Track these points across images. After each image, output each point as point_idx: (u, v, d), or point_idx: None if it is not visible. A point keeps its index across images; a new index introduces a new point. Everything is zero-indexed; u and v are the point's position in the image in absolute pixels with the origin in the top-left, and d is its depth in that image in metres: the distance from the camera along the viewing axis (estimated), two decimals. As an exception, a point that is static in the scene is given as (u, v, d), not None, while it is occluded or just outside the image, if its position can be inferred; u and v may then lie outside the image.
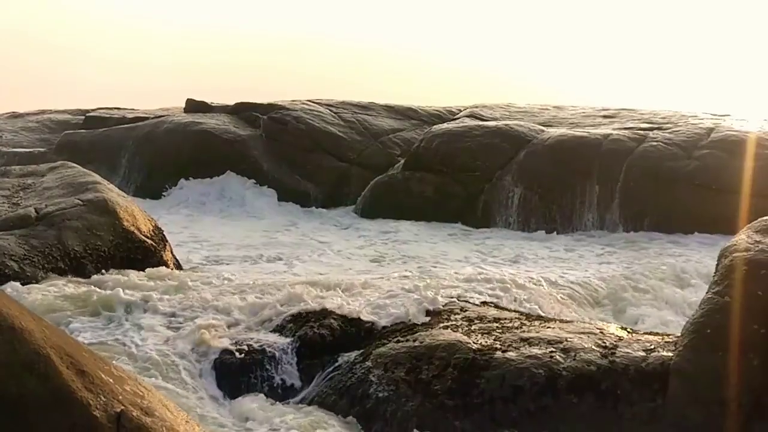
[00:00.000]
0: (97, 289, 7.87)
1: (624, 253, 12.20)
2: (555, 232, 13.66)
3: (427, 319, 7.14)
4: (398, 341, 6.72)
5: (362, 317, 7.24)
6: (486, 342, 6.52)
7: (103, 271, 8.86)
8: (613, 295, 9.60)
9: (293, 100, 18.35)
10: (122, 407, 3.35)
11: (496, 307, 7.85)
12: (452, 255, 11.94)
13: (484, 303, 7.94)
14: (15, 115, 20.74)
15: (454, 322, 7.01)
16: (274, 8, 57.77)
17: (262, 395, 6.51)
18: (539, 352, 6.30)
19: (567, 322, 7.20)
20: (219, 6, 57.54)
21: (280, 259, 11.19)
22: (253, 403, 6.36)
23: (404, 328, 7.00)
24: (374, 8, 58.70)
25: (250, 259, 11.21)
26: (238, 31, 51.42)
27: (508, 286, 8.69)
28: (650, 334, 6.86)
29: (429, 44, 56.01)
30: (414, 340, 6.66)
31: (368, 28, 56.16)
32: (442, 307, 7.44)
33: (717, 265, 6.41)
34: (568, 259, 11.85)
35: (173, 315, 7.67)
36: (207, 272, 9.73)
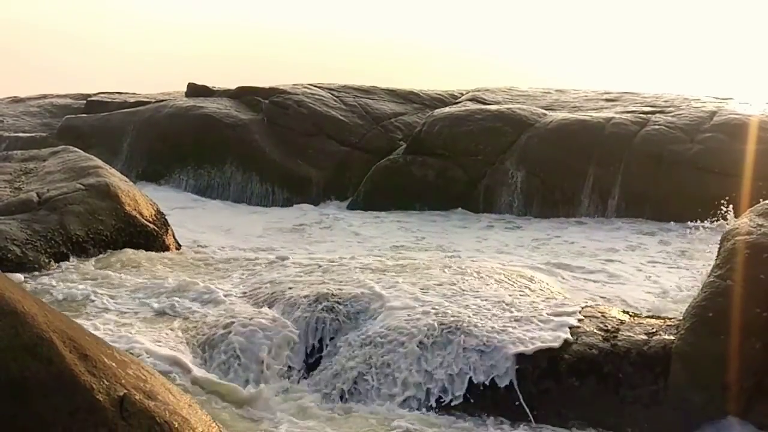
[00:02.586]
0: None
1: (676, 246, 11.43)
2: (560, 217, 13.62)
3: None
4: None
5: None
6: (488, 321, 6.52)
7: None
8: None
9: (294, 84, 18.29)
10: (125, 391, 3.36)
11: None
12: (482, 245, 11.59)
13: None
14: (16, 100, 20.70)
15: (459, 302, 7.00)
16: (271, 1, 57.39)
17: (269, 378, 6.51)
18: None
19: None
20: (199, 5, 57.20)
21: (295, 251, 10.81)
22: (258, 387, 6.37)
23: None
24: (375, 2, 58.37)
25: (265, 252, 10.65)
26: (235, 22, 51.07)
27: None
28: (652, 317, 6.87)
29: (429, 32, 55.76)
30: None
31: (367, 18, 55.83)
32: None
33: (719, 248, 6.41)
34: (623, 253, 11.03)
35: (168, 295, 7.71)
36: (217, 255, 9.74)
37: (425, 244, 11.61)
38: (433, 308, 6.75)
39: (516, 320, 6.54)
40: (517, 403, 5.97)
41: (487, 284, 7.55)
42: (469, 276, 7.77)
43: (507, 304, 6.91)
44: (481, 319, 6.52)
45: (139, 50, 39.53)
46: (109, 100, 19.24)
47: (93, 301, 7.42)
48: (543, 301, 7.04)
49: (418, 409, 6.03)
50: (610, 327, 6.42)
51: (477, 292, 7.25)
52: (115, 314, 7.14)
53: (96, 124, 17.70)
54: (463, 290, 7.30)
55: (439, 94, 18.76)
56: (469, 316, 6.56)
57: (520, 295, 7.26)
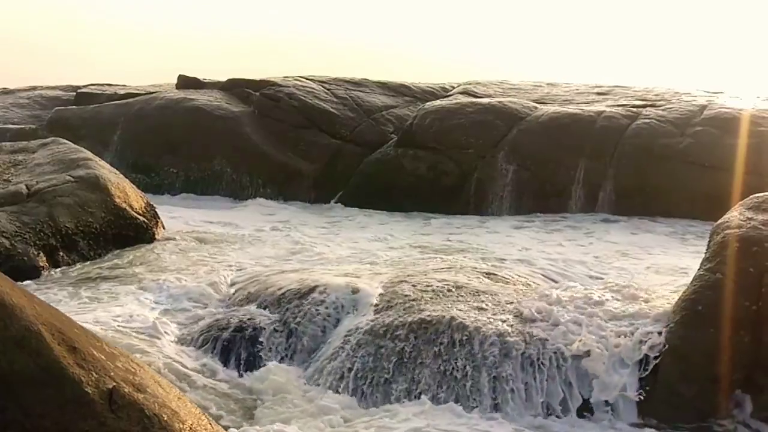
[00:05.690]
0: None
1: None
2: (566, 212, 13.57)
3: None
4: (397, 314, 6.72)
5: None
6: (478, 317, 6.53)
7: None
8: None
9: (285, 77, 18.22)
10: (114, 383, 3.35)
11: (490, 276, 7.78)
12: (512, 246, 10.65)
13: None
14: (6, 92, 20.57)
15: (449, 297, 7.00)
16: (249, 9, 56.89)
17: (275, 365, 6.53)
18: (531, 328, 6.33)
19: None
20: (193, 10, 56.72)
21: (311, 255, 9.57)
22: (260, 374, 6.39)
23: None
24: (358, 5, 58.08)
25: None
26: (213, 35, 50.54)
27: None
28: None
29: (418, 34, 55.48)
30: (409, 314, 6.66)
31: (354, 24, 55.53)
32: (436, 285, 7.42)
33: (709, 241, 6.42)
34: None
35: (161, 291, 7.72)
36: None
37: (457, 246, 10.57)
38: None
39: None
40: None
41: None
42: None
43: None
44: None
45: (119, 65, 38.79)
46: (99, 92, 19.13)
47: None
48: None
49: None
50: (600, 320, 6.43)
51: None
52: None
53: (86, 116, 17.60)
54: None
55: (431, 87, 18.74)
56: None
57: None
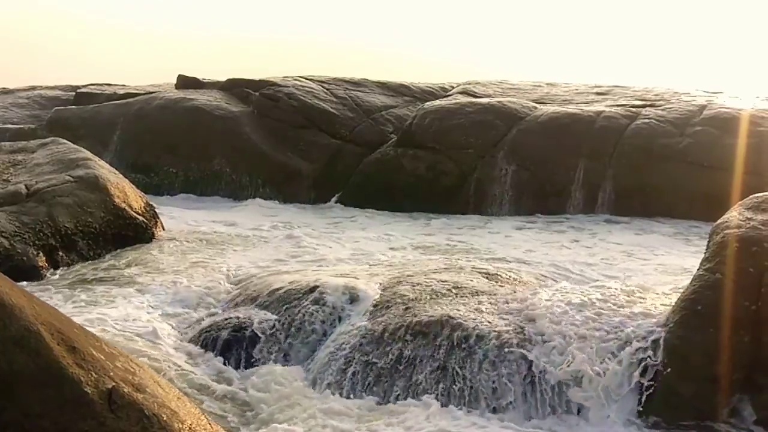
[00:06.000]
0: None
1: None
2: (551, 209, 13.56)
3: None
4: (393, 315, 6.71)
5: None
6: (475, 317, 6.52)
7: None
8: None
9: (285, 77, 18.22)
10: (113, 383, 3.35)
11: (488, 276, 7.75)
12: (513, 245, 10.55)
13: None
14: (5, 91, 20.56)
15: (450, 298, 6.99)
16: (249, 9, 56.75)
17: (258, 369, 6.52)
18: (531, 328, 6.32)
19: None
20: (193, 10, 56.57)
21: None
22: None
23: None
24: (358, 5, 57.98)
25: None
26: (215, 34, 50.39)
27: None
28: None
29: (418, 34, 55.37)
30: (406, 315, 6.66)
31: (354, 24, 55.40)
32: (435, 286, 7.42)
33: (708, 241, 6.42)
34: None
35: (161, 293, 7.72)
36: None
37: (460, 247, 10.51)
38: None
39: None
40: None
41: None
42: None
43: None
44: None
45: (117, 66, 38.59)
46: (99, 92, 19.11)
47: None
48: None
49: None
50: (599, 320, 6.41)
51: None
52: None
53: (86, 116, 17.59)
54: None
55: (430, 87, 18.73)
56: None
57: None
